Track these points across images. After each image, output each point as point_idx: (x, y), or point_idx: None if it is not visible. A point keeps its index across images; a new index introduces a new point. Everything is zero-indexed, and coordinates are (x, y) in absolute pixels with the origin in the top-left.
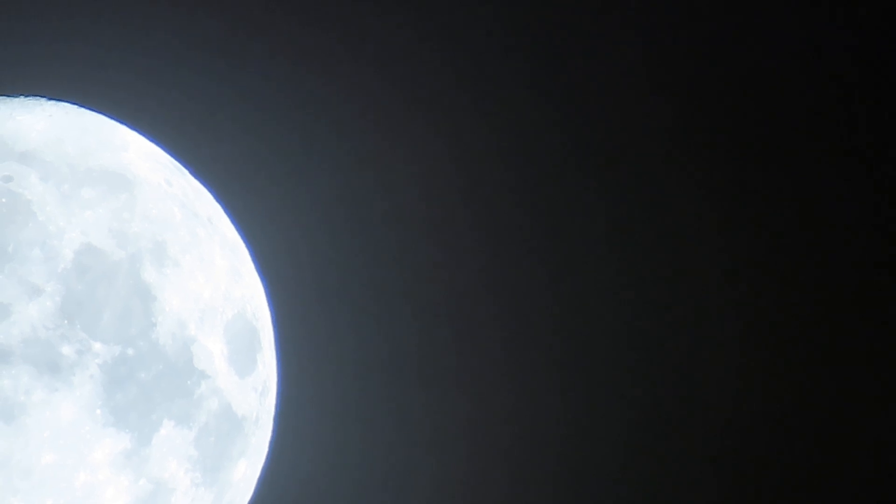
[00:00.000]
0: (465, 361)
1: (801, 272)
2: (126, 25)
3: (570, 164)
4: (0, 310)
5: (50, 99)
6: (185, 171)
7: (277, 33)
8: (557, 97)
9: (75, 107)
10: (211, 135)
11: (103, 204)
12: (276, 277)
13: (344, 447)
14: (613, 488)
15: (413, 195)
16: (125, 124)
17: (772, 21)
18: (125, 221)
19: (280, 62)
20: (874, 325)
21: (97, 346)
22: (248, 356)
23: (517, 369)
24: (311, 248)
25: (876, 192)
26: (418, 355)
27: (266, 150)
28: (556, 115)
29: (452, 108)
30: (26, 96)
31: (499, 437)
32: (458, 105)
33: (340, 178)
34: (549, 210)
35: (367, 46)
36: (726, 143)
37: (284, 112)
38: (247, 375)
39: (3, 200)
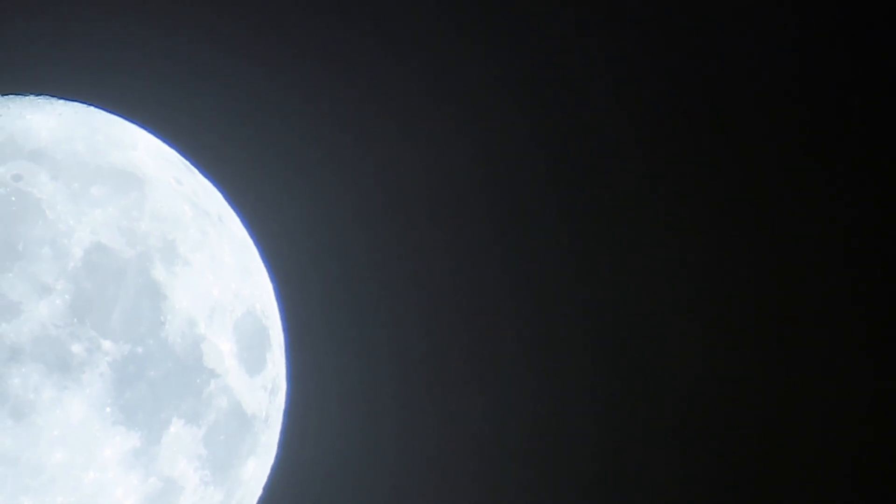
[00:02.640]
0: (473, 360)
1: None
2: (135, 25)
3: (579, 163)
4: (10, 308)
5: (60, 98)
6: (195, 170)
7: (285, 33)
8: (561, 99)
9: (85, 106)
10: (221, 133)
11: (113, 202)
12: (286, 276)
13: (353, 445)
14: (622, 487)
15: (422, 194)
16: (135, 123)
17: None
18: (135, 220)
19: (289, 62)
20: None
21: (107, 344)
22: (257, 354)
23: (526, 368)
24: (321, 247)
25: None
26: (427, 353)
27: (275, 149)
28: (561, 116)
29: (462, 107)
30: (36, 95)
31: (506, 435)
32: (468, 105)
33: (349, 177)
34: (559, 208)
35: (376, 47)
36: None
37: (294, 111)
38: (256, 374)
39: (14, 199)
